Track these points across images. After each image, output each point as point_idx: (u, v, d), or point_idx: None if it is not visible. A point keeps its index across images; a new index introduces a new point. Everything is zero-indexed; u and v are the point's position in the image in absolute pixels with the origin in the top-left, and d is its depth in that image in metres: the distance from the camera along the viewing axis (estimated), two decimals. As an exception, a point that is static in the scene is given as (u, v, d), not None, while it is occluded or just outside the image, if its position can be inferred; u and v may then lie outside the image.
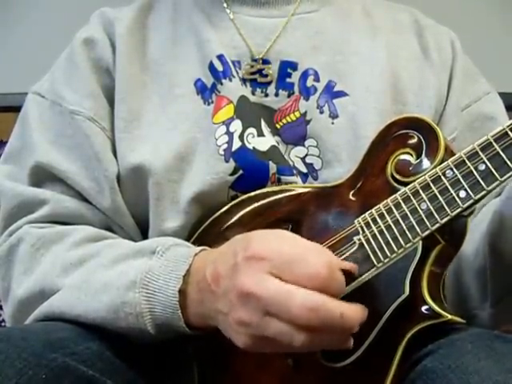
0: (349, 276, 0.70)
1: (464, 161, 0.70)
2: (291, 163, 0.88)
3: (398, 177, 0.76)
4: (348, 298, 0.68)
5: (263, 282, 0.65)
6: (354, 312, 0.66)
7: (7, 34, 1.53)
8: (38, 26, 1.52)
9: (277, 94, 0.92)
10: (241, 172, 0.86)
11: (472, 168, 0.70)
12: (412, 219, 0.72)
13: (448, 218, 0.70)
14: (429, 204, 0.71)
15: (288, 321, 0.64)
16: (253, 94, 0.91)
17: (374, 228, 0.74)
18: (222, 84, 0.90)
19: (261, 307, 0.65)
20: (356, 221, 0.75)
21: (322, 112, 0.90)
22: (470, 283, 0.85)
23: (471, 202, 0.70)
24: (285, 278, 0.65)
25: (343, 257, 0.74)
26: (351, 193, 0.79)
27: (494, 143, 0.69)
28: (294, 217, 0.81)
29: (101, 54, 0.94)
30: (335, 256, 0.72)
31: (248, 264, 0.67)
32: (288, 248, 0.67)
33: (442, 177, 0.71)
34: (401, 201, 0.73)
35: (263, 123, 0.89)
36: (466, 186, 0.70)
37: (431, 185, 0.72)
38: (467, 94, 0.98)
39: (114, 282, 0.76)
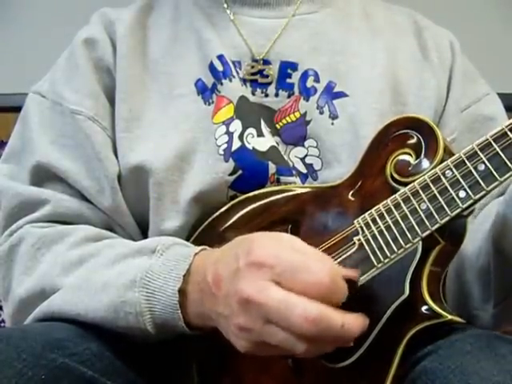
0: (350, 281, 0.69)
1: (463, 161, 0.70)
2: (291, 164, 0.89)
3: (397, 177, 0.76)
4: (348, 298, 0.67)
5: (265, 290, 0.65)
6: (355, 322, 0.66)
7: (7, 34, 1.52)
8: (37, 26, 1.51)
9: (277, 95, 0.92)
10: (240, 172, 0.86)
11: (471, 168, 0.70)
12: (412, 219, 0.72)
13: (448, 218, 0.70)
14: (428, 204, 0.71)
15: (288, 330, 0.64)
16: (253, 94, 0.92)
17: (373, 228, 0.74)
18: (222, 84, 0.91)
19: (262, 315, 0.65)
20: (356, 221, 0.75)
21: (321, 112, 0.90)
22: (473, 283, 0.85)
23: (471, 202, 0.70)
24: (287, 286, 0.65)
25: (343, 257, 0.74)
26: (350, 193, 0.79)
27: (494, 143, 0.69)
28: (293, 217, 0.81)
29: (101, 54, 0.94)
30: (336, 263, 0.72)
31: (249, 270, 0.66)
32: (290, 255, 0.67)
33: (442, 177, 0.71)
34: (400, 201, 0.73)
35: (263, 123, 0.89)
36: (465, 186, 0.70)
37: (431, 185, 0.72)
38: (467, 95, 0.98)
39: (114, 281, 0.76)
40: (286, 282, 0.65)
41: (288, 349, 0.65)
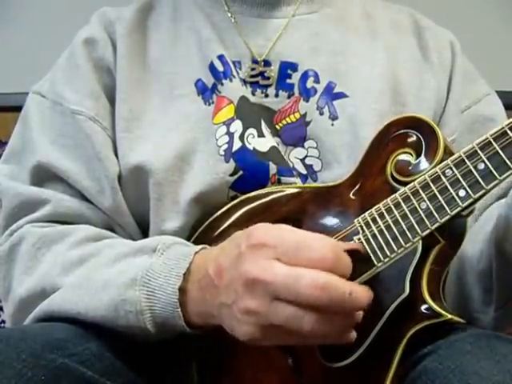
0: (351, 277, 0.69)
1: (463, 160, 0.70)
2: (291, 164, 0.88)
3: (397, 176, 0.76)
4: None
5: (270, 268, 0.65)
6: (362, 291, 0.67)
7: (7, 34, 1.52)
8: (37, 26, 1.51)
9: (277, 95, 0.92)
10: (241, 172, 0.86)
11: (471, 167, 0.70)
12: (412, 219, 0.72)
13: (448, 217, 0.70)
14: (428, 203, 0.71)
15: (297, 302, 0.64)
16: (253, 94, 0.92)
17: (373, 228, 0.74)
18: (222, 84, 0.91)
19: (269, 293, 0.65)
20: (356, 220, 0.75)
21: (321, 113, 0.90)
22: (473, 286, 0.85)
23: (471, 201, 0.70)
24: (291, 263, 0.65)
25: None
26: (351, 192, 0.79)
27: (494, 142, 0.69)
28: (293, 217, 0.81)
29: (102, 53, 0.94)
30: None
31: (252, 252, 0.67)
32: (292, 235, 0.68)
33: (442, 176, 0.71)
34: (400, 200, 0.73)
35: (263, 124, 0.89)
36: (465, 186, 0.70)
37: (431, 184, 0.72)
38: (467, 95, 0.98)
39: (114, 280, 0.76)
40: (289, 261, 0.65)
41: (296, 326, 0.65)
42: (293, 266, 0.65)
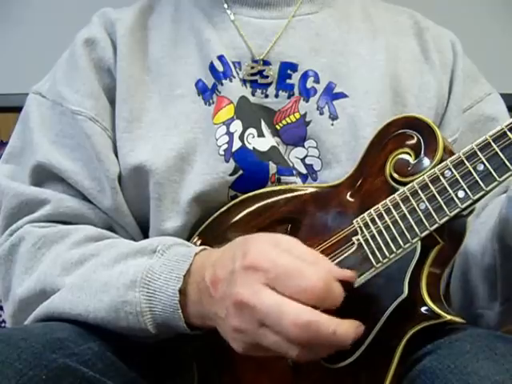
0: (347, 282, 0.69)
1: (463, 161, 0.70)
2: (291, 164, 0.89)
3: (396, 177, 0.76)
4: (347, 298, 0.67)
5: (258, 293, 0.65)
6: (347, 328, 0.66)
7: (7, 34, 1.52)
8: (37, 26, 1.51)
9: (277, 95, 0.92)
10: (241, 172, 0.86)
11: (471, 168, 0.70)
12: (411, 219, 0.72)
13: (447, 218, 0.70)
14: (427, 204, 0.71)
15: (280, 334, 0.64)
16: (253, 94, 0.92)
17: (372, 228, 0.74)
18: (222, 84, 0.91)
19: (256, 317, 0.65)
20: (355, 221, 0.75)
21: (321, 113, 0.90)
22: (478, 282, 0.85)
23: (470, 202, 0.70)
24: (280, 290, 0.65)
25: (342, 257, 0.74)
26: (350, 193, 0.79)
27: (493, 143, 0.69)
28: (293, 217, 0.81)
29: (102, 54, 0.94)
30: (334, 265, 0.71)
31: (245, 274, 0.67)
32: (285, 260, 0.67)
33: (441, 177, 0.71)
34: (399, 201, 0.73)
35: (263, 124, 0.89)
36: (464, 186, 0.70)
37: (430, 185, 0.72)
38: (469, 95, 0.98)
39: (115, 281, 0.76)
40: (279, 287, 0.65)
41: (283, 352, 0.66)
42: (281, 296, 0.65)
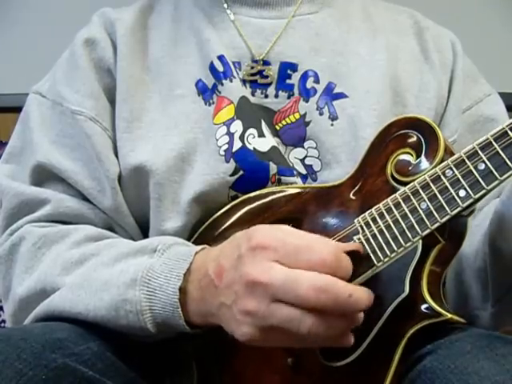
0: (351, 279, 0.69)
1: (464, 160, 0.70)
2: (291, 164, 0.89)
3: (397, 176, 0.76)
4: None
5: (269, 270, 0.65)
6: (362, 293, 0.67)
7: (7, 34, 1.53)
8: (37, 26, 1.52)
9: (276, 96, 0.92)
10: (241, 172, 0.86)
11: (472, 167, 0.70)
12: (412, 218, 0.72)
13: (448, 217, 0.70)
14: (428, 203, 0.71)
15: (296, 304, 0.64)
16: (252, 95, 0.92)
17: (373, 227, 0.74)
18: (222, 85, 0.91)
19: (268, 294, 0.65)
20: (356, 220, 0.75)
21: (321, 114, 0.90)
22: (471, 283, 0.85)
23: (471, 201, 0.70)
24: (291, 266, 0.66)
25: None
26: (351, 192, 0.79)
27: (494, 142, 0.69)
28: (294, 217, 0.81)
29: (102, 54, 0.94)
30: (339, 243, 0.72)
31: (252, 254, 0.67)
32: (292, 238, 0.68)
33: (442, 176, 0.71)
34: (400, 200, 0.73)
35: (263, 124, 0.89)
36: (465, 186, 0.70)
37: (431, 184, 0.72)
38: (468, 95, 0.98)
39: (115, 280, 0.76)
40: (289, 263, 0.66)
41: (294, 328, 0.65)
42: (292, 269, 0.65)
